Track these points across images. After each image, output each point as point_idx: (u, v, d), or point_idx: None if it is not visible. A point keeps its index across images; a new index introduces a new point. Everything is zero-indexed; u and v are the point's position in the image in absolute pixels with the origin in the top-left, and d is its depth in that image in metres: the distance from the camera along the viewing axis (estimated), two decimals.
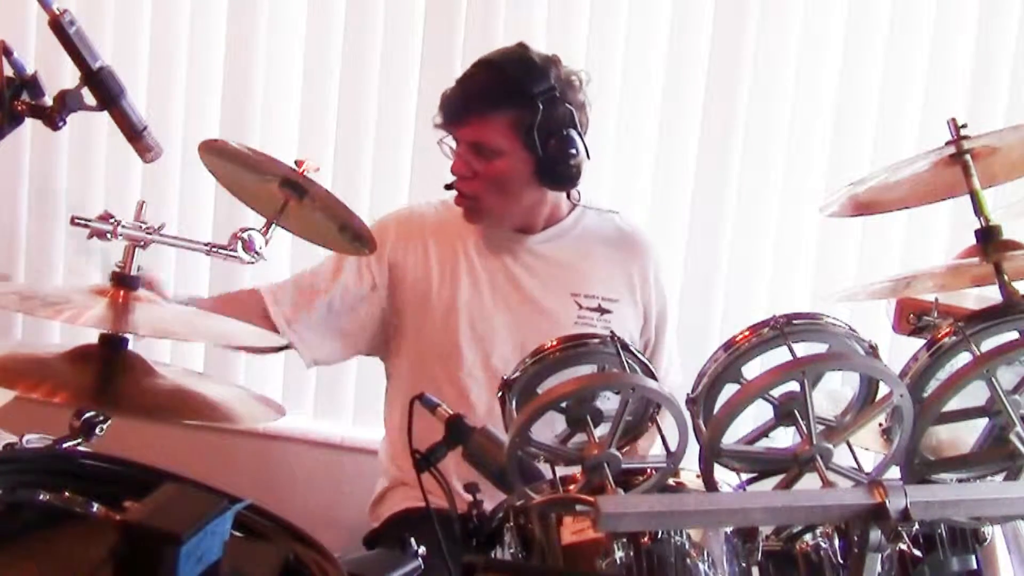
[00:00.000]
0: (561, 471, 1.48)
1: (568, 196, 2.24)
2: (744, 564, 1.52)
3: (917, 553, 1.48)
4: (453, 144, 2.15)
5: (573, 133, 2.09)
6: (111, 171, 3.00)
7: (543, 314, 2.16)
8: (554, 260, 2.23)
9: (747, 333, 1.46)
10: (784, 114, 2.64)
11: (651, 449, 1.79)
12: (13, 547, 1.20)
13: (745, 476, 1.50)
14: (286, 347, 2.22)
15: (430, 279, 2.22)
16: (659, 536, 1.46)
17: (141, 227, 1.68)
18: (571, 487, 1.45)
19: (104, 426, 1.71)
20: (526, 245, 2.23)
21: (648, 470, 1.48)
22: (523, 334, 2.12)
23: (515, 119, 2.07)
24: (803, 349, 1.44)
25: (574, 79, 2.14)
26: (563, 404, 1.44)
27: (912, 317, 1.78)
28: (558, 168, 2.10)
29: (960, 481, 1.46)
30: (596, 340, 1.52)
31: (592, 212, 2.28)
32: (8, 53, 1.48)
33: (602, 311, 2.19)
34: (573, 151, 2.09)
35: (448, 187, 2.19)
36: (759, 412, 1.46)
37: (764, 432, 1.50)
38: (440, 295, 2.21)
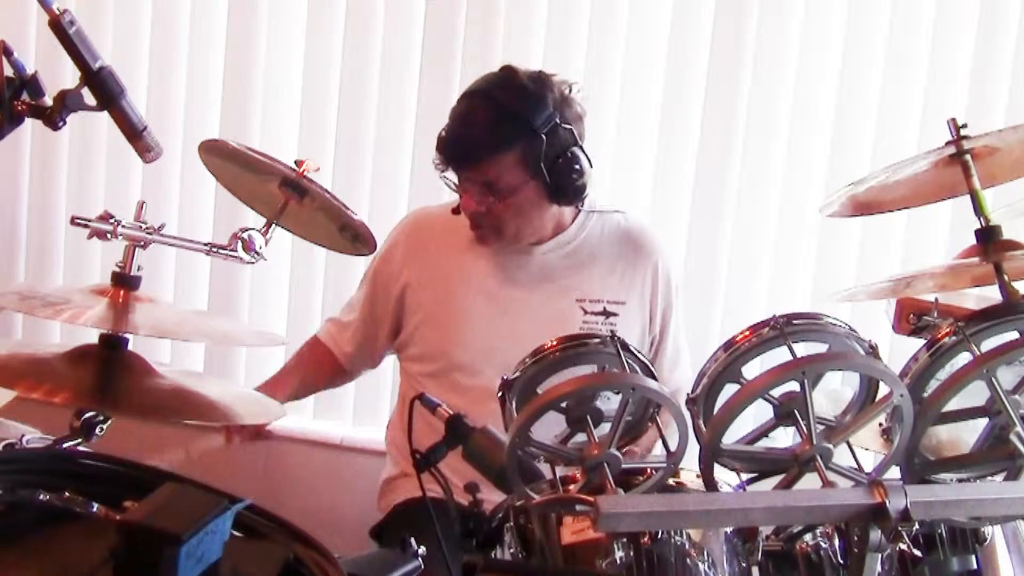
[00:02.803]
0: (561, 471, 1.48)
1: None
2: (744, 564, 1.52)
3: (917, 553, 1.48)
4: (454, 179, 2.14)
5: (577, 151, 2.09)
6: (111, 171, 3.00)
7: (549, 322, 2.15)
8: (560, 268, 2.23)
9: (747, 333, 1.46)
10: (784, 114, 2.64)
11: (654, 447, 1.79)
12: (13, 547, 1.20)
13: (745, 476, 1.50)
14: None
15: (437, 290, 2.23)
16: (659, 536, 1.47)
17: (141, 227, 1.68)
18: (571, 487, 1.45)
19: (104, 426, 1.71)
20: (533, 255, 2.24)
21: (648, 470, 1.48)
22: (529, 342, 2.10)
23: (522, 154, 2.07)
24: (803, 349, 1.44)
25: (566, 91, 2.13)
26: (563, 404, 1.44)
27: (912, 317, 1.78)
28: (569, 188, 2.11)
29: (960, 481, 1.46)
30: (596, 340, 1.52)
31: (596, 215, 2.27)
32: (8, 53, 1.48)
33: (607, 314, 2.20)
34: (578, 167, 2.09)
35: (456, 211, 2.20)
36: (759, 412, 1.46)
37: (764, 432, 1.50)
38: (447, 306, 2.22)
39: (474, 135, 2.09)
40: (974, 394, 1.39)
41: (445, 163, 2.13)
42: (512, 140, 2.06)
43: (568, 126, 2.08)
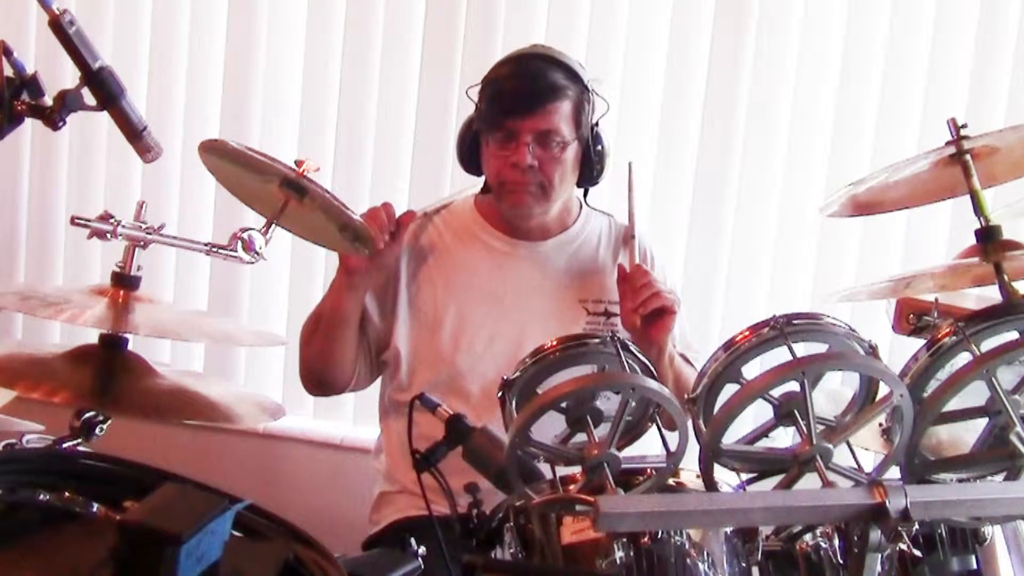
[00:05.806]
0: (561, 471, 1.48)
1: (585, 195, 2.26)
2: (744, 564, 1.52)
3: (917, 553, 1.48)
4: (497, 138, 2.11)
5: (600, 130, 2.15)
6: (111, 171, 3.00)
7: (552, 323, 2.13)
8: (563, 267, 2.22)
9: (747, 333, 1.45)
10: (784, 114, 2.64)
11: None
12: (13, 547, 1.20)
13: (745, 476, 1.50)
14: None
15: (437, 295, 2.19)
16: (659, 536, 1.46)
17: (141, 227, 1.68)
18: (571, 487, 1.45)
19: (104, 426, 1.72)
20: (536, 254, 2.22)
21: (648, 470, 1.48)
22: (532, 344, 2.06)
23: (575, 107, 2.11)
24: (803, 349, 1.44)
25: None
26: (563, 404, 1.44)
27: (912, 317, 1.78)
28: (594, 163, 2.15)
29: (960, 481, 1.46)
30: (596, 340, 1.51)
31: (594, 214, 2.28)
32: (8, 53, 1.48)
33: (608, 315, 2.18)
34: (603, 146, 2.15)
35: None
36: (759, 412, 1.46)
37: (764, 432, 1.50)
38: (447, 310, 2.18)
39: (541, 79, 2.10)
40: (974, 394, 1.39)
41: (505, 113, 2.09)
42: (570, 88, 2.10)
43: (602, 98, 2.15)
